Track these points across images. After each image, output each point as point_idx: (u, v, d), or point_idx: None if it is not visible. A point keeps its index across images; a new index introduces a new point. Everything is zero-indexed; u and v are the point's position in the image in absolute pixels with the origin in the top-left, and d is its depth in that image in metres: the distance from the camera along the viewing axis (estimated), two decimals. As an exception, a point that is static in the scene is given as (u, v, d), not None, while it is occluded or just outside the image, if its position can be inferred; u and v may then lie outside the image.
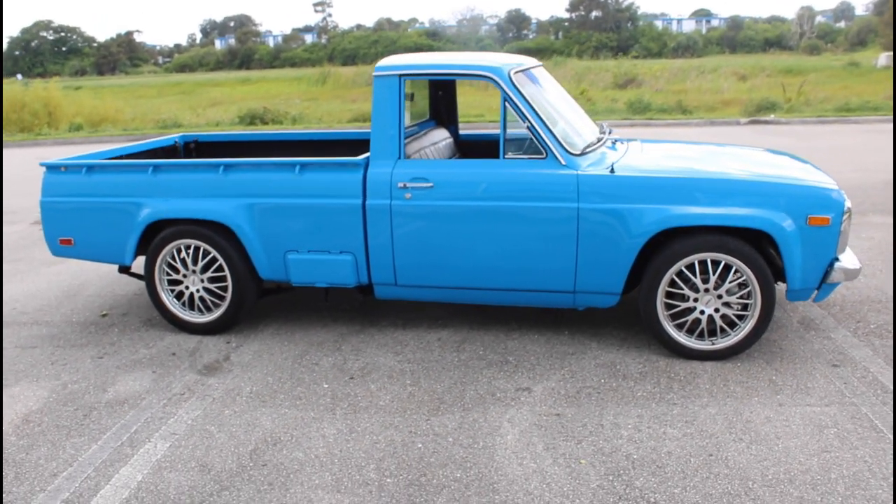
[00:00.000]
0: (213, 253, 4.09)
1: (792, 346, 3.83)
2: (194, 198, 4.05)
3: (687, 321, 3.69)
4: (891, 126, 12.41)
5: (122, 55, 68.83)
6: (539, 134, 3.69)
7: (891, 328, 4.02)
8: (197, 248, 4.11)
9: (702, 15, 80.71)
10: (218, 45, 79.17)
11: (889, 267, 5.04)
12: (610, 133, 4.59)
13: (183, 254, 4.14)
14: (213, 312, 4.20)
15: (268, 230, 3.99)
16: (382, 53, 58.10)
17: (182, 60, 67.94)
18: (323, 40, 74.51)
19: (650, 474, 2.73)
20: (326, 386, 3.56)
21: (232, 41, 76.65)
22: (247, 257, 4.08)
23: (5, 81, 28.43)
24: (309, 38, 79.62)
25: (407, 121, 4.72)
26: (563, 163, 3.67)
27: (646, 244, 3.69)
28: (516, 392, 3.43)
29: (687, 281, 3.65)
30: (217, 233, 4.06)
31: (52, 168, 4.26)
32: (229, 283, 4.12)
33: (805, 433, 2.98)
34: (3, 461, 2.95)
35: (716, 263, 3.59)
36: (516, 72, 3.83)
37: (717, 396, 3.32)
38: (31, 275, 5.50)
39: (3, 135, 17.59)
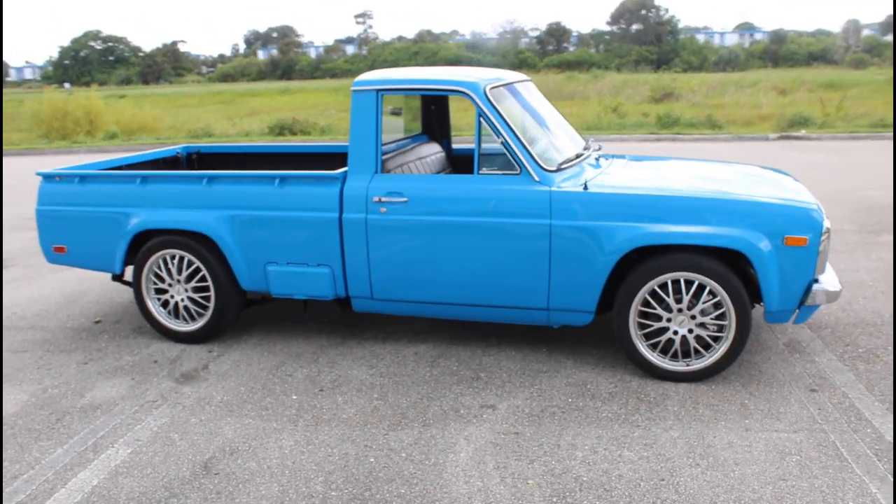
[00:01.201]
0: (197, 263, 4.16)
1: (772, 369, 3.73)
2: (179, 209, 4.14)
3: (661, 341, 3.64)
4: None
5: (167, 65, 70.58)
6: (513, 149, 3.68)
7: (879, 352, 3.90)
8: (182, 258, 4.20)
9: (745, 28, 79.48)
10: (261, 55, 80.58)
11: (890, 289, 4.89)
12: (599, 149, 4.57)
13: (169, 264, 4.23)
14: (197, 322, 4.27)
15: (248, 242, 4.06)
16: (422, 65, 58.58)
17: (225, 70, 69.35)
18: (363, 51, 75.40)
19: (596, 497, 2.69)
20: (295, 397, 3.59)
21: (274, 52, 77.95)
22: (229, 268, 4.14)
23: (53, 89, 29.39)
24: (350, 50, 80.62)
25: (394, 135, 4.77)
26: (537, 179, 3.66)
27: (620, 262, 3.65)
28: (480, 409, 3.41)
29: (661, 301, 3.60)
30: (200, 243, 4.13)
31: (47, 177, 4.40)
32: (212, 293, 4.19)
33: (765, 460, 2.90)
34: (-29, 462, 3.04)
35: (689, 283, 3.53)
36: (492, 87, 3.84)
37: (684, 419, 3.25)
38: (38, 280, 5.67)
39: (43, 141, 18.21)
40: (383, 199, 3.82)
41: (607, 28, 62.94)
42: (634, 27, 58.26)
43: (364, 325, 4.53)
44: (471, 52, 63.54)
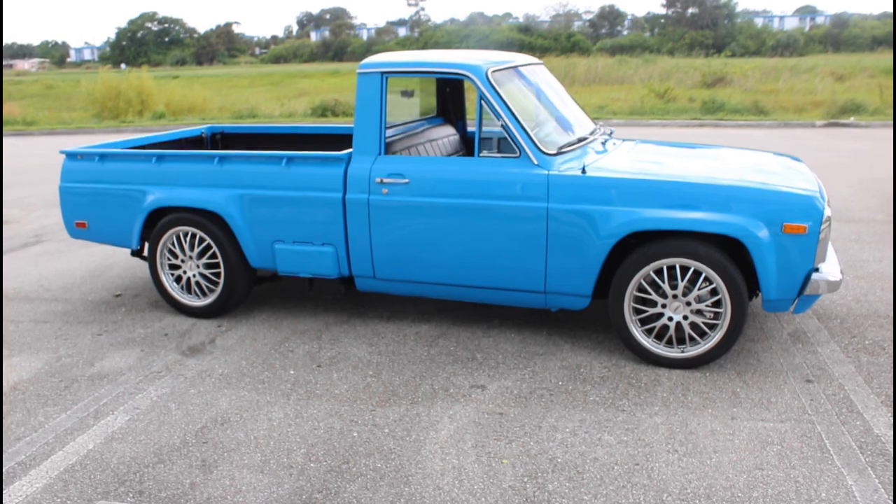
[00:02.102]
0: (208, 240, 4.29)
1: (770, 359, 3.68)
2: (192, 187, 4.26)
3: (655, 327, 3.62)
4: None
5: (221, 46, 71.82)
6: (512, 132, 3.69)
7: (885, 344, 3.80)
8: (194, 235, 4.33)
9: (806, 12, 76.66)
10: (313, 37, 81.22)
11: (914, 282, 4.74)
12: (611, 133, 4.53)
13: (182, 240, 4.37)
14: (209, 297, 4.41)
15: (256, 220, 4.16)
16: (474, 47, 58.29)
17: (277, 52, 70.21)
18: (415, 34, 75.35)
19: (567, 479, 2.71)
20: (293, 372, 3.69)
21: (326, 33, 78.49)
22: (238, 246, 4.26)
23: (107, 69, 30.19)
24: (402, 32, 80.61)
25: (406, 117, 4.81)
26: (536, 162, 3.66)
27: (616, 247, 3.64)
28: (470, 389, 3.45)
29: (658, 287, 3.57)
30: (211, 221, 4.26)
31: (70, 155, 4.58)
32: (222, 269, 4.31)
33: (745, 449, 2.88)
34: (-18, 423, 3.23)
35: (685, 270, 3.50)
36: (495, 70, 3.84)
37: (671, 406, 3.24)
38: (67, 255, 5.91)
39: (94, 121, 18.78)
40: (385, 180, 3.87)
41: (662, 11, 61.49)
42: (690, 10, 56.78)
43: (371, 303, 4.61)
44: (522, 35, 62.94)
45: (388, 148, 4.18)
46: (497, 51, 4.63)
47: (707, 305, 3.51)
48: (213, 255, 4.33)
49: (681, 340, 3.61)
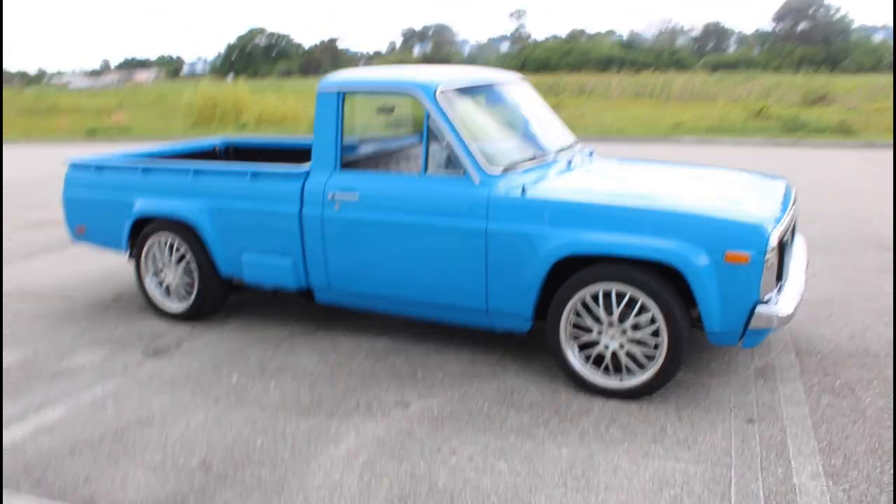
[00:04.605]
0: (183, 248, 4.48)
1: (721, 394, 3.46)
2: (171, 198, 4.47)
3: (592, 355, 3.48)
4: None
5: (325, 60, 74.44)
6: (456, 151, 3.66)
7: (856, 386, 3.49)
8: (172, 243, 4.53)
9: (935, 26, 71.40)
10: (416, 52, 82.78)
11: (924, 320, 4.33)
12: (591, 154, 4.43)
13: (162, 247, 4.58)
14: (185, 302, 4.60)
15: (225, 231, 4.31)
16: (574, 64, 57.71)
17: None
18: (515, 50, 75.51)
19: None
20: (235, 379, 3.78)
21: (428, 49, 79.82)
22: (209, 254, 4.42)
23: (208, 82, 31.83)
24: (504, 48, 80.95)
25: (384, 132, 4.86)
26: (477, 181, 3.61)
27: (557, 269, 3.53)
28: (394, 405, 3.43)
29: (596, 313, 3.44)
30: (186, 230, 4.44)
31: (73, 165, 4.90)
32: (195, 276, 4.48)
33: (640, 489, 2.72)
34: (-61, 409, 3.49)
35: (622, 296, 3.35)
36: (445, 89, 3.81)
37: (586, 437, 3.10)
38: (91, 258, 6.28)
39: (190, 129, 19.90)
40: (337, 195, 3.93)
41: (770, 28, 59.02)
42: (801, 26, 54.18)
43: (343, 316, 4.65)
44: (624, 52, 61.90)
45: (357, 164, 4.24)
46: (479, 67, 4.61)
47: (646, 334, 3.35)
48: (189, 263, 4.52)
49: (618, 369, 3.46)
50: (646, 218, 3.30)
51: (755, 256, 3.13)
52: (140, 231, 4.69)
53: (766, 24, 68.79)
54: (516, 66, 59.63)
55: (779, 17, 56.08)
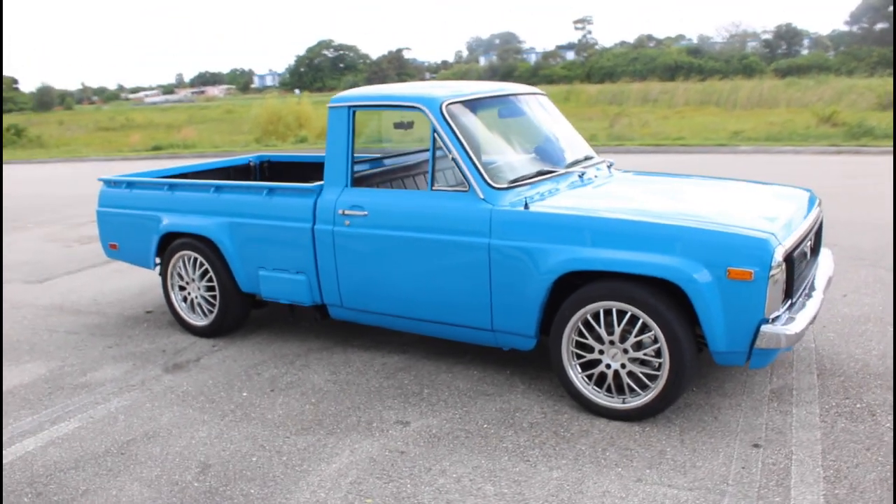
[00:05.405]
0: (206, 265, 4.59)
1: (730, 417, 3.32)
2: (194, 214, 4.59)
3: (594, 374, 3.39)
4: None
5: (392, 71, 75.44)
6: (461, 166, 3.64)
7: (877, 410, 3.29)
8: (195, 259, 4.65)
9: None
10: (482, 61, 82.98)
11: (968, 340, 4.06)
12: (609, 165, 4.34)
13: (187, 263, 4.71)
14: (208, 318, 4.71)
15: (244, 247, 4.40)
16: (640, 71, 56.79)
17: (446, 76, 72.44)
18: (581, 57, 74.87)
19: (417, 525, 2.62)
20: (245, 395, 3.85)
21: (494, 58, 79.89)
22: (230, 270, 4.52)
23: (275, 95, 32.70)
24: (570, 55, 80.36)
25: (400, 147, 4.89)
26: (482, 196, 3.59)
27: (561, 286, 3.46)
28: (393, 424, 3.42)
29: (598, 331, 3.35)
30: (207, 246, 4.56)
31: (106, 182, 5.09)
32: (217, 292, 4.59)
33: (627, 514, 2.63)
34: (-34, 420, 3.66)
35: (623, 314, 3.26)
36: (452, 103, 3.80)
37: (581, 460, 3.02)
38: (129, 273, 6.50)
39: (252, 143, 20.45)
40: (347, 212, 3.96)
41: (846, 28, 56.75)
42: (879, 26, 51.89)
43: (360, 332, 4.68)
44: (692, 58, 60.53)
45: (368, 180, 4.27)
46: (496, 82, 4.58)
47: (649, 354, 3.24)
48: (211, 279, 4.63)
49: (621, 390, 3.36)
50: (646, 233, 3.21)
51: (759, 273, 3.00)
52: (167, 247, 4.83)
53: (842, 25, 66.17)
54: (581, 74, 58.94)
55: (855, 18, 53.85)
